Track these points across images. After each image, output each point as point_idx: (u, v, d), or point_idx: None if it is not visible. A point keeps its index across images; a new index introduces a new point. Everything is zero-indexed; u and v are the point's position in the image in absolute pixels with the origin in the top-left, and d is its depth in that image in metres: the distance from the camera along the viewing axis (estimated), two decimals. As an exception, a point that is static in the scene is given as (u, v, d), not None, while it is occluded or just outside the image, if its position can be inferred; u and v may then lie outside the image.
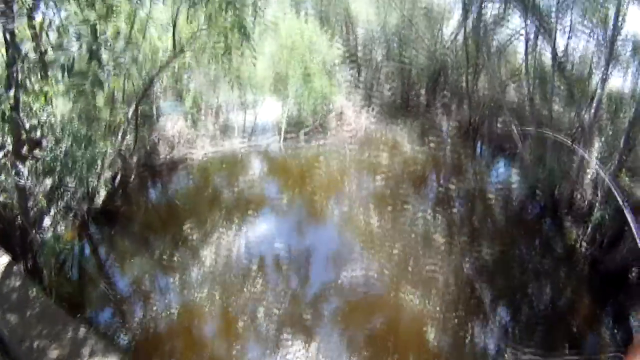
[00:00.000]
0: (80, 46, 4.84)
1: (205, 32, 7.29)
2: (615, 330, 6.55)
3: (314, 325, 5.96)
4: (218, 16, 6.89)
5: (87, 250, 7.41)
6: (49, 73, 5.36)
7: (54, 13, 5.34)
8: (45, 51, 5.26)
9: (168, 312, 6.01)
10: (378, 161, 11.60)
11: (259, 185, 9.92)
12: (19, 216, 5.96)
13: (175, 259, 7.12)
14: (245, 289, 6.55)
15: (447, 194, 10.63)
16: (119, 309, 6.12)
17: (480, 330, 6.48)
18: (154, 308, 6.06)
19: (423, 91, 16.67)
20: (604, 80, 8.72)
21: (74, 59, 4.93)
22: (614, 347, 6.06)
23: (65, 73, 5.00)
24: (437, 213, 9.52)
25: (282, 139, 11.81)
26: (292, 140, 12.13)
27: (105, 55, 5.39)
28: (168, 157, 10.23)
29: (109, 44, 5.78)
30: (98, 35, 4.96)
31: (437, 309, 6.58)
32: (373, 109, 14.92)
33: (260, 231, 8.14)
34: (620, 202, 7.43)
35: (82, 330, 4.66)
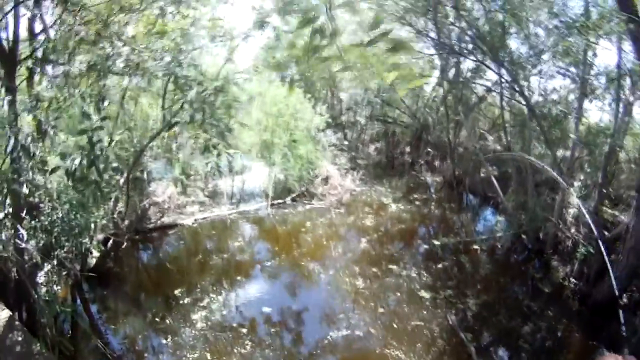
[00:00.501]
0: (81, 158, 5.16)
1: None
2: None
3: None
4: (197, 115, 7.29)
5: (81, 308, 7.43)
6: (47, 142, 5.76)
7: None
8: (46, 131, 5.67)
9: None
10: (363, 223, 11.70)
11: (248, 251, 10.00)
12: (15, 270, 6.14)
13: (166, 320, 7.13)
14: (235, 350, 6.55)
15: (433, 249, 10.58)
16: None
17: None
18: None
19: (408, 149, 16.94)
20: (577, 119, 8.97)
21: (75, 168, 5.17)
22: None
23: (69, 178, 5.32)
24: (423, 269, 9.51)
25: (269, 205, 11.92)
26: (279, 206, 12.24)
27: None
28: (159, 222, 10.39)
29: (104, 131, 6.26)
30: (95, 144, 5.26)
31: (420, 351, 6.62)
32: (358, 171, 15.14)
33: (250, 294, 8.20)
34: (597, 237, 7.50)
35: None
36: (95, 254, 8.24)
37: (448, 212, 13.07)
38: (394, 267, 9.44)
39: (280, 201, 12.48)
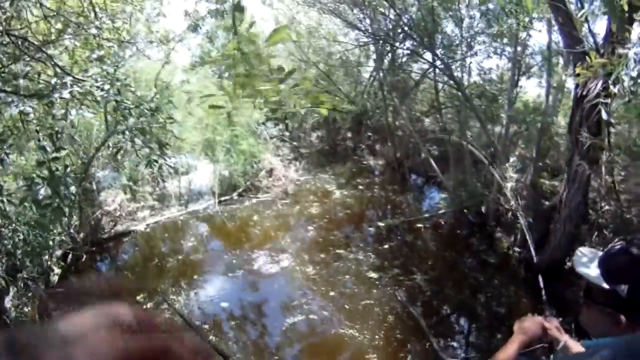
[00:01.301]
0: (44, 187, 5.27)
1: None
2: (560, 318, 6.87)
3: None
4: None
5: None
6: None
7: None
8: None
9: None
10: (309, 212, 11.78)
11: (201, 249, 9.96)
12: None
13: None
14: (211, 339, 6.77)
15: (379, 231, 10.90)
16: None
17: (421, 349, 6.72)
18: None
19: (349, 135, 17.14)
20: (512, 97, 9.41)
21: (39, 197, 5.36)
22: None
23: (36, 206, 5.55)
24: (371, 251, 9.74)
25: (217, 202, 11.87)
26: (227, 203, 12.18)
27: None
28: (112, 231, 10.17)
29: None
30: (54, 173, 5.35)
31: (377, 337, 6.88)
32: (301, 161, 15.16)
33: (208, 292, 8.29)
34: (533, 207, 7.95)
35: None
36: (57, 270, 8.06)
37: (392, 194, 13.27)
38: (342, 251, 9.60)
39: (227, 197, 12.37)
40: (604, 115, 5.64)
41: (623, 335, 1.52)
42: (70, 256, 8.84)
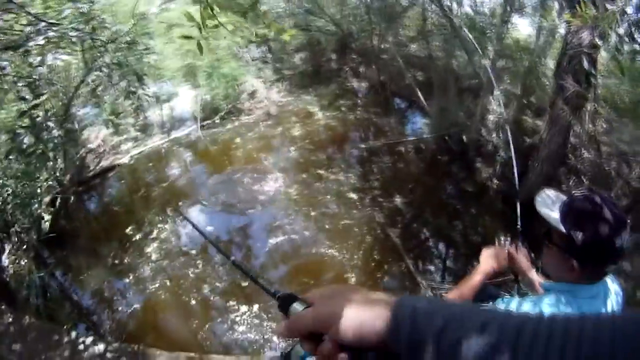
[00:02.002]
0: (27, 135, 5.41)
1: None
2: (532, 254, 7.28)
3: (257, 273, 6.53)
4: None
5: (47, 277, 7.55)
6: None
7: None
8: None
9: (133, 307, 6.79)
10: (291, 133, 11.84)
11: (184, 176, 10.06)
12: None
13: (125, 261, 7.58)
14: (189, 272, 7.21)
15: (360, 153, 11.12)
16: (91, 319, 6.75)
17: (398, 271, 7.16)
18: (120, 308, 6.76)
19: (333, 56, 16.84)
20: (501, 31, 9.34)
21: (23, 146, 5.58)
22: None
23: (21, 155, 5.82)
24: (351, 172, 10.01)
25: (199, 127, 11.83)
26: (209, 127, 12.14)
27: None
28: (97, 168, 10.16)
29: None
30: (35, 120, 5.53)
31: (355, 257, 7.37)
32: (283, 83, 14.95)
33: (193, 217, 8.50)
34: (513, 143, 8.14)
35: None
36: (47, 217, 8.07)
37: (374, 117, 13.27)
38: (323, 172, 9.87)
39: (209, 122, 12.31)
40: (585, 66, 5.73)
41: (575, 281, 1.66)
42: (58, 200, 8.86)
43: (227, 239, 8.07)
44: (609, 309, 1.71)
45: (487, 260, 2.39)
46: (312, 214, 8.44)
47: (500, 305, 1.82)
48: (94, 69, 7.40)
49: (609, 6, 4.04)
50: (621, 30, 3.71)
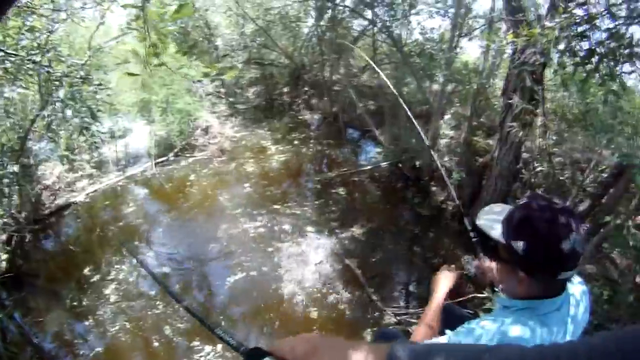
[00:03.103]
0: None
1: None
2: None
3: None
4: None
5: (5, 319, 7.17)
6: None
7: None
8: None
9: (94, 350, 6.38)
10: (245, 168, 11.76)
11: (140, 214, 9.72)
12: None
13: (84, 302, 7.21)
14: (149, 313, 6.90)
15: (315, 185, 11.08)
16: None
17: (361, 301, 7.09)
18: (82, 352, 6.37)
19: (286, 89, 16.98)
20: (450, 56, 9.65)
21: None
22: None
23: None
24: (307, 205, 9.93)
25: (154, 164, 11.63)
26: (164, 164, 11.90)
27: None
28: (53, 205, 9.81)
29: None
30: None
31: (316, 290, 7.22)
32: (237, 117, 14.93)
33: (150, 257, 8.23)
34: (465, 164, 8.35)
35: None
36: (4, 256, 7.69)
37: (328, 148, 13.35)
38: (278, 207, 9.73)
39: (164, 158, 12.03)
40: (529, 83, 5.95)
41: (531, 297, 1.55)
42: (14, 238, 8.42)
43: (185, 279, 7.73)
44: (579, 314, 1.63)
45: (442, 283, 2.38)
46: (270, 249, 8.24)
47: (461, 332, 1.62)
48: (50, 102, 7.25)
49: (547, 24, 4.21)
50: (561, 46, 3.84)
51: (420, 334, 2.08)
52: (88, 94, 7.49)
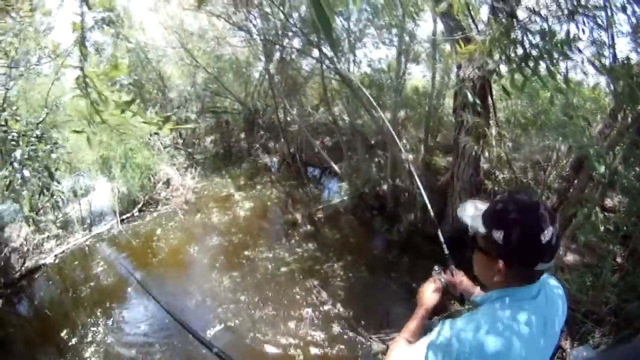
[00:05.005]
0: None
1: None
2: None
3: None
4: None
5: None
6: None
7: None
8: None
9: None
10: (210, 219, 11.67)
11: (111, 273, 9.50)
12: None
13: None
14: None
15: (282, 227, 11.04)
16: None
17: (344, 334, 7.06)
18: None
19: (242, 135, 17.11)
20: (399, 83, 9.95)
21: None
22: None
23: None
24: (277, 248, 9.85)
25: (119, 221, 11.47)
26: (129, 220, 11.69)
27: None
28: (23, 268, 9.55)
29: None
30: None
31: (300, 335, 7.04)
32: (197, 168, 14.84)
33: (125, 317, 7.96)
34: (425, 184, 8.55)
35: None
36: None
37: (290, 189, 13.43)
38: (249, 253, 9.62)
39: (128, 215, 11.79)
40: (470, 98, 6.20)
41: (508, 285, 1.58)
42: None
43: (162, 337, 7.29)
44: (553, 306, 1.66)
45: (432, 296, 2.31)
46: (246, 298, 8.05)
47: (435, 330, 1.65)
48: (8, 162, 7.17)
49: (478, 38, 4.42)
50: (496, 56, 4.02)
51: (397, 350, 1.98)
52: (44, 153, 7.44)
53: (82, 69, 2.72)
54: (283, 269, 8.96)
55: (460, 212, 1.77)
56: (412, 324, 2.14)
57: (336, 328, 7.14)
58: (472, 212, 1.71)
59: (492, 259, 1.59)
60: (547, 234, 1.46)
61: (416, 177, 3.93)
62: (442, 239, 2.78)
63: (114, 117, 3.14)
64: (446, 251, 2.66)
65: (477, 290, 2.31)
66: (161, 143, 14.28)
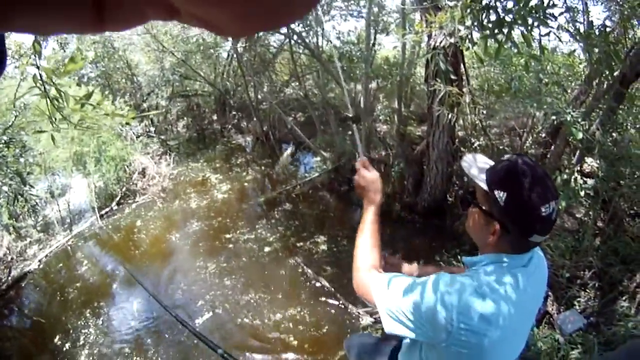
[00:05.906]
0: None
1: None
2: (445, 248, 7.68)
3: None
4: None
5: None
6: None
7: None
8: None
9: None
10: (189, 204, 11.49)
11: (96, 271, 9.29)
12: None
13: None
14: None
15: (262, 206, 10.97)
16: None
17: (333, 310, 7.06)
18: None
19: (215, 117, 16.86)
20: (369, 54, 9.81)
21: None
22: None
23: None
24: (258, 227, 9.81)
25: (98, 217, 11.21)
26: (108, 215, 11.41)
27: None
28: (9, 278, 9.37)
29: None
30: None
31: (289, 311, 7.08)
32: (170, 154, 14.58)
33: (115, 314, 7.90)
34: (402, 154, 8.51)
35: None
36: None
37: (266, 168, 13.35)
38: (231, 236, 9.56)
39: (107, 210, 11.50)
40: (442, 66, 6.12)
41: (500, 251, 1.55)
42: None
43: (154, 329, 7.33)
44: (540, 274, 1.64)
45: (376, 184, 2.23)
46: (233, 282, 7.99)
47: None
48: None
49: (449, 3, 4.32)
50: (468, 22, 3.91)
51: (364, 261, 1.97)
52: (13, 158, 7.21)
53: (37, 66, 2.57)
54: (266, 249, 8.90)
55: (465, 162, 1.70)
56: (368, 233, 2.11)
57: (324, 305, 7.15)
58: (480, 165, 1.65)
59: (488, 219, 1.55)
60: (549, 207, 1.42)
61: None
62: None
63: (75, 113, 3.05)
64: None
65: (406, 266, 2.33)
66: (133, 133, 13.95)
